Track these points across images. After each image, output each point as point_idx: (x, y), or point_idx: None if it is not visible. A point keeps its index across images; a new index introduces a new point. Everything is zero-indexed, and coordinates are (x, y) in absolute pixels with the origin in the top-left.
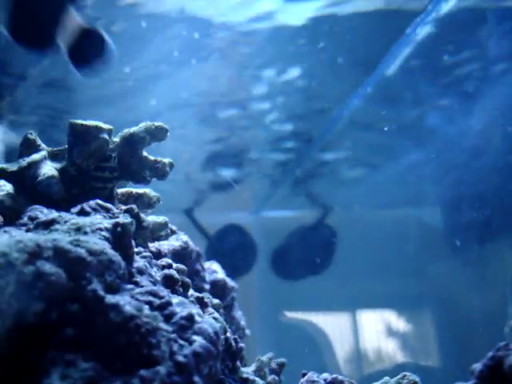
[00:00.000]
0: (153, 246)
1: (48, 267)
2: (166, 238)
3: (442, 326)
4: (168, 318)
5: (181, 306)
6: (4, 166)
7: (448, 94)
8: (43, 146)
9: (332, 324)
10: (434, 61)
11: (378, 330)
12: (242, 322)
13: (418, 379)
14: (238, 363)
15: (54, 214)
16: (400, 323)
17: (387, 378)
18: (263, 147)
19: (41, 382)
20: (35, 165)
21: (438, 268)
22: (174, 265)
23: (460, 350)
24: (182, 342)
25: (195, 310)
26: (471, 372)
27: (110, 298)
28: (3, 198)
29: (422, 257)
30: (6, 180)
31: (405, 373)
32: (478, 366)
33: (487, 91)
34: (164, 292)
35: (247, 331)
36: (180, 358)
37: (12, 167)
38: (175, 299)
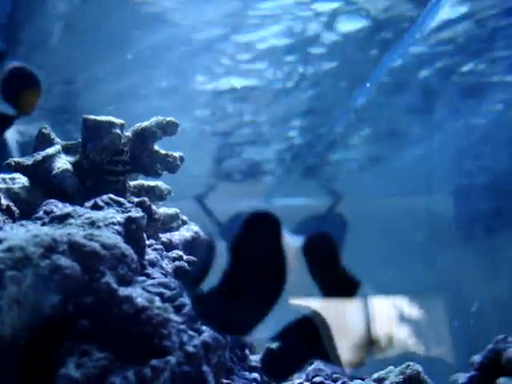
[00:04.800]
0: (164, 236)
1: (63, 261)
2: (178, 228)
3: (452, 314)
4: (178, 309)
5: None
6: (20, 159)
7: (456, 85)
8: (57, 140)
9: (344, 310)
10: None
11: (388, 317)
12: None
13: (421, 369)
14: (247, 351)
15: (69, 209)
16: (411, 310)
17: (391, 367)
18: (275, 134)
19: (57, 370)
20: (50, 159)
21: (448, 256)
22: (185, 256)
23: (470, 338)
24: (191, 332)
25: None
26: (471, 363)
27: (123, 291)
28: (19, 190)
29: (432, 244)
30: (21, 173)
31: (409, 362)
32: (477, 358)
33: (495, 82)
34: (175, 283)
35: None
36: (190, 349)
37: (27, 161)
38: (186, 291)
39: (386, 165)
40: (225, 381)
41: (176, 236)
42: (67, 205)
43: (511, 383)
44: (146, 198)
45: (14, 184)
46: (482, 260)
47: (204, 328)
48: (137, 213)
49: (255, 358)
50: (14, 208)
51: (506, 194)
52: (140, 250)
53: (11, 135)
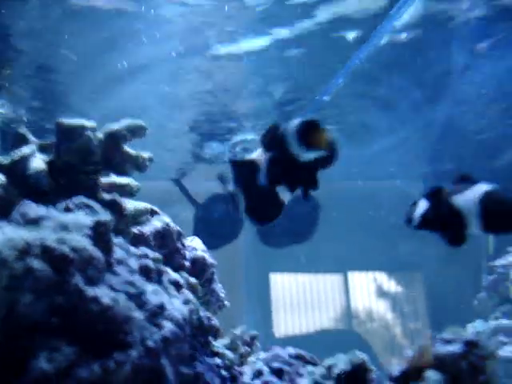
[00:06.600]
0: (135, 228)
1: (36, 263)
2: (147, 222)
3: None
4: (142, 306)
5: (154, 294)
6: None
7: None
8: (33, 139)
9: (323, 285)
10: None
11: (365, 291)
12: (222, 294)
13: (366, 358)
14: (210, 338)
15: (42, 212)
16: (387, 285)
17: (341, 355)
18: (253, 116)
19: (30, 363)
20: (26, 158)
21: (416, 238)
22: (151, 254)
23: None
24: (152, 328)
25: (166, 297)
26: (404, 358)
27: (90, 291)
28: None
29: (400, 228)
30: None
31: (355, 350)
32: (409, 353)
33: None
34: (139, 281)
35: (226, 302)
36: (149, 343)
37: (5, 160)
38: (150, 287)
39: (358, 151)
40: (185, 370)
41: (147, 227)
42: (41, 207)
43: (437, 376)
44: (116, 195)
45: None
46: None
47: (164, 323)
48: (105, 216)
49: (218, 344)
50: None
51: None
52: (108, 250)
53: None
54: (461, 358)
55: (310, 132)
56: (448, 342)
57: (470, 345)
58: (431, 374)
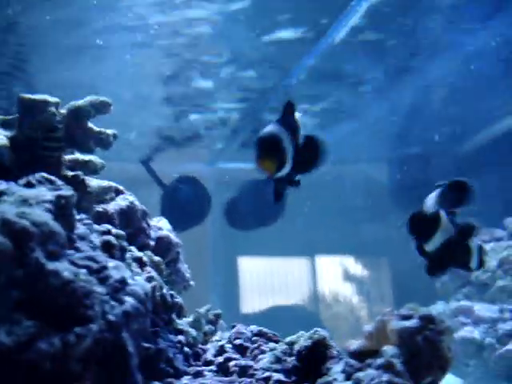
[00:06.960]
0: (100, 206)
1: None
2: (111, 200)
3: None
4: (103, 281)
5: (116, 269)
6: None
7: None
8: None
9: (291, 268)
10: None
11: (332, 275)
12: (187, 275)
13: (327, 334)
14: (174, 316)
15: (3, 186)
16: (354, 269)
17: (302, 332)
18: (219, 100)
19: None
20: None
21: (382, 221)
22: (114, 230)
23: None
24: (113, 302)
25: (128, 273)
26: (362, 334)
27: (51, 265)
28: None
29: (366, 211)
30: None
31: (316, 328)
32: (367, 328)
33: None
34: (101, 257)
35: (191, 282)
36: (110, 317)
37: None
38: (111, 263)
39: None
40: (146, 344)
41: (111, 206)
42: (2, 182)
43: (393, 351)
44: (79, 173)
45: None
46: None
47: (126, 298)
48: (67, 191)
49: (181, 322)
50: None
51: (436, 165)
52: (70, 226)
53: None
54: (417, 332)
55: (260, 157)
56: (404, 317)
57: (426, 320)
58: (388, 349)
